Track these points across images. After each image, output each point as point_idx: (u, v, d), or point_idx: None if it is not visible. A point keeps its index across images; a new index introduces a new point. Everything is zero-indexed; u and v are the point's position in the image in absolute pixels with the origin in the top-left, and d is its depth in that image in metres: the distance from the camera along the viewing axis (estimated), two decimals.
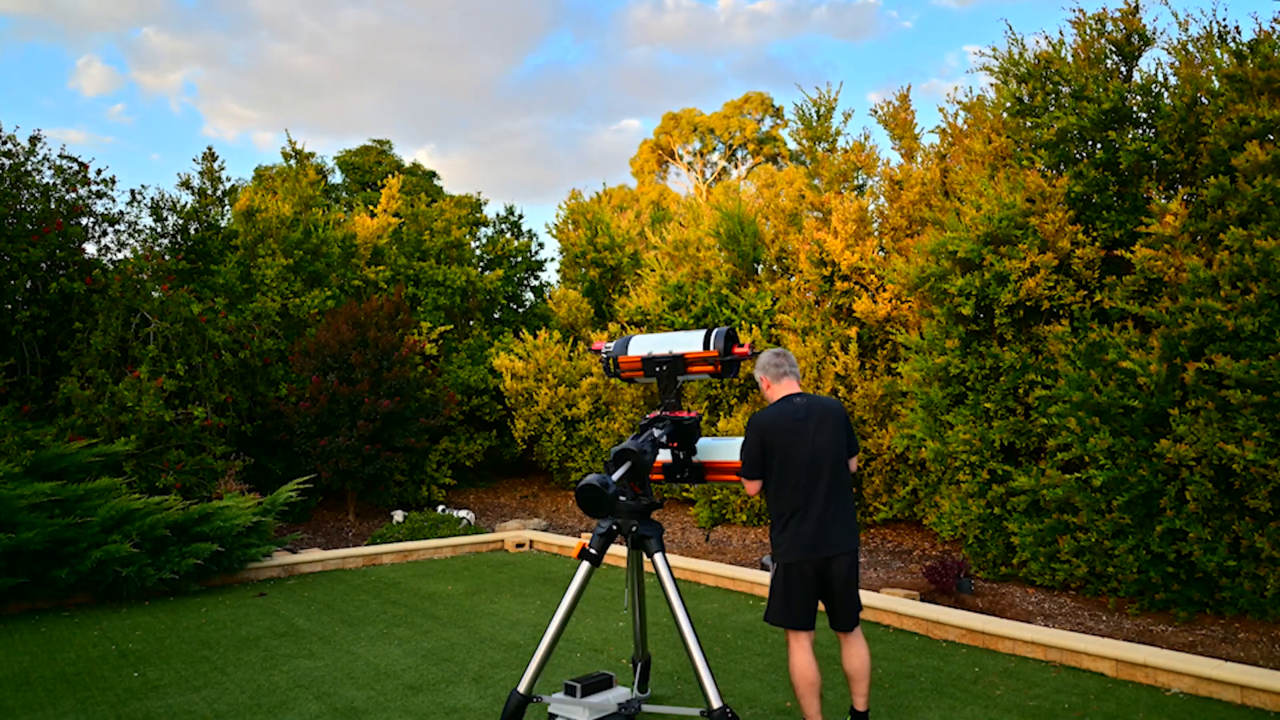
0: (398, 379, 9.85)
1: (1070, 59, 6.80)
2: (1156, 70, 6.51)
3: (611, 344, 4.06)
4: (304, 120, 56.68)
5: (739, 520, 9.30)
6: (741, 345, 3.82)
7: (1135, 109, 6.50)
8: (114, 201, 9.41)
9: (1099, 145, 6.59)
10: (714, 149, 33.79)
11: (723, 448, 3.78)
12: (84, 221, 9.16)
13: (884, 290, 8.50)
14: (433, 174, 20.43)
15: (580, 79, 59.18)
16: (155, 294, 9.17)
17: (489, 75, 58.53)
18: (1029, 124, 7.03)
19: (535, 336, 11.77)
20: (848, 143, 9.64)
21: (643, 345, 3.93)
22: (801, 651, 3.52)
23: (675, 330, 9.10)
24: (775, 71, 50.62)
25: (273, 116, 56.43)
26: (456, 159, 56.46)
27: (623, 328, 10.91)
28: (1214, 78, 6.07)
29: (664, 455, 3.82)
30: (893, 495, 8.39)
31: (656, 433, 3.69)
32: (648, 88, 54.57)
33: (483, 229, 14.87)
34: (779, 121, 32.68)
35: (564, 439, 11.20)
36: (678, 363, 3.82)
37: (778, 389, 3.65)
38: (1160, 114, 6.30)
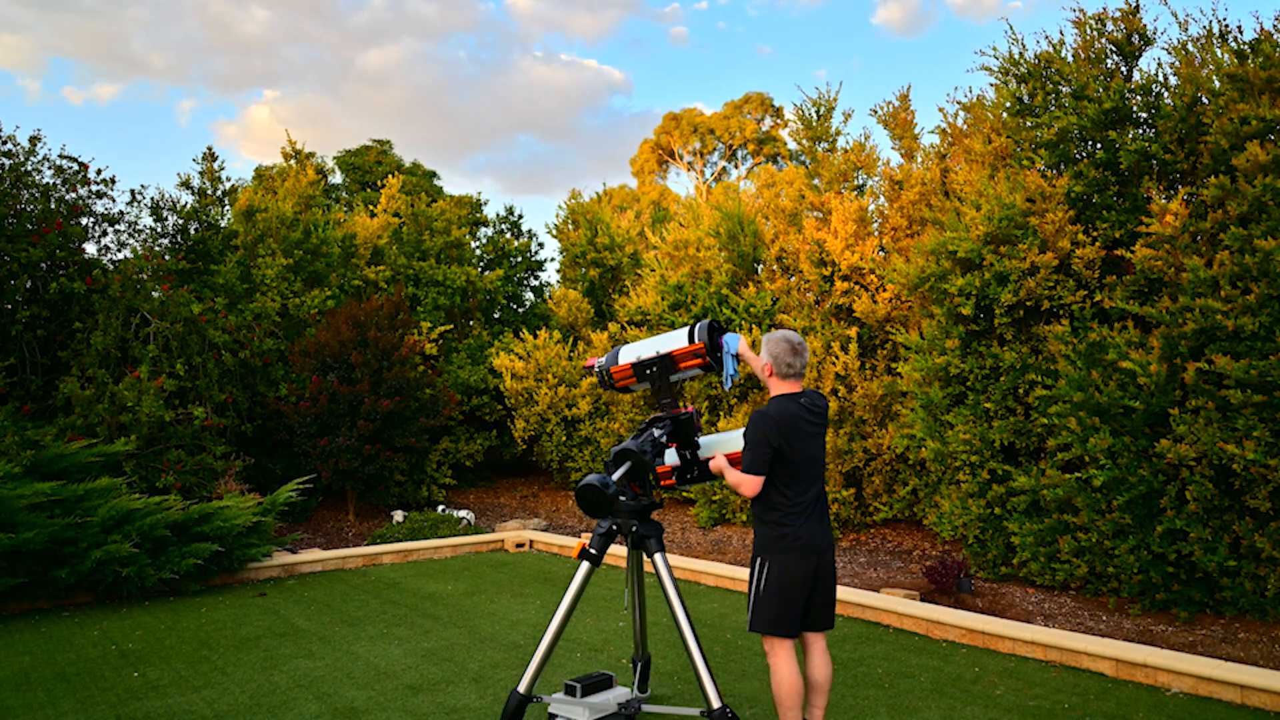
0: (398, 379, 9.85)
1: (1070, 59, 6.79)
2: (1157, 70, 6.51)
3: (603, 358, 4.09)
4: (73, 53, 39.56)
5: (739, 520, 9.30)
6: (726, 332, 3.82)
7: (1135, 109, 6.50)
8: (114, 201, 9.42)
9: (1099, 145, 6.59)
10: (714, 149, 33.84)
11: (729, 442, 3.78)
12: (84, 221, 9.15)
13: (884, 290, 8.50)
14: (433, 174, 20.46)
15: None
16: (155, 294, 9.16)
17: None
18: (1029, 124, 7.03)
19: (535, 336, 11.77)
20: (848, 143, 9.64)
21: (631, 352, 3.98)
22: (789, 660, 3.42)
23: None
24: None
25: (33, 45, 38.47)
26: (297, 115, 35.88)
27: (623, 328, 10.91)
28: (1214, 77, 6.07)
29: (673, 459, 3.83)
30: (893, 495, 8.38)
31: (656, 432, 3.69)
32: None
33: (483, 229, 14.88)
34: (779, 121, 32.72)
35: (564, 439, 11.20)
36: (666, 361, 3.84)
37: (781, 385, 3.54)
38: (1161, 114, 6.29)
